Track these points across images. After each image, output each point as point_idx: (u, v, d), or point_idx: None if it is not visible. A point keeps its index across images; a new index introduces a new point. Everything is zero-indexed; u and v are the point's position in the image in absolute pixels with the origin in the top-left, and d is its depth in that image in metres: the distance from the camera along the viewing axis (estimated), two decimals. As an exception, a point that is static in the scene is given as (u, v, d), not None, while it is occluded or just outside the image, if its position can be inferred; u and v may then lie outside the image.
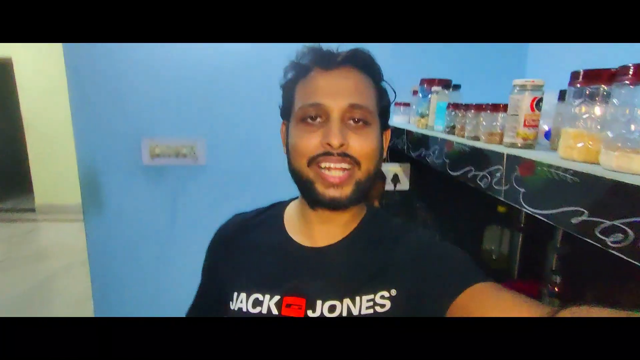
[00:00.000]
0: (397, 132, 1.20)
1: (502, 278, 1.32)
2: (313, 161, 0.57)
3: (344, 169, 0.57)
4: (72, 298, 2.49)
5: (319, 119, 0.57)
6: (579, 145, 0.47)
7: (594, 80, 0.46)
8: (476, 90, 1.06)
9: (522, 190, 0.53)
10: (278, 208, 0.70)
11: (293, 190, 0.65)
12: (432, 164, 0.87)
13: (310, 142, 0.57)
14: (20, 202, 4.77)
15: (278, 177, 0.67)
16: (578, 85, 0.48)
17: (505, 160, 0.57)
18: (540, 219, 0.48)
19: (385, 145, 0.66)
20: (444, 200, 1.45)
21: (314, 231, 0.63)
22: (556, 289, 0.92)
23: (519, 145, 0.62)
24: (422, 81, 1.02)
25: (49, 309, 2.41)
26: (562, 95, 0.61)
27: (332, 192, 0.57)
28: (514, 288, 1.09)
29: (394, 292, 0.57)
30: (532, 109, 0.59)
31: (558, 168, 0.45)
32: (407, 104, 1.29)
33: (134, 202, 1.40)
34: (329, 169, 0.57)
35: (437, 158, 0.85)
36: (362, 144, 0.57)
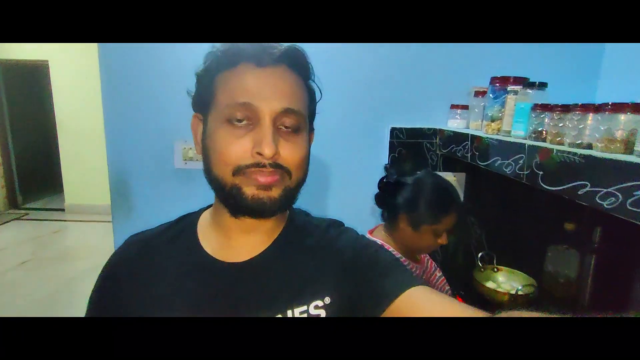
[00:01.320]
0: (456, 137, 1.07)
1: (570, 307, 1.16)
2: (240, 171, 0.50)
3: (275, 178, 0.51)
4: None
5: (246, 122, 0.50)
6: None
7: None
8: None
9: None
10: (188, 221, 0.61)
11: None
12: (514, 176, 0.74)
13: (237, 149, 0.50)
14: (50, 202, 4.86)
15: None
16: None
17: (651, 174, 0.43)
18: (618, 239, 0.43)
19: (309, 148, 0.59)
20: (502, 214, 1.30)
21: (235, 242, 0.56)
22: None
23: (658, 155, 0.48)
24: (494, 80, 0.89)
25: (72, 311, 2.38)
26: None
27: (262, 195, 0.50)
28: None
29: (327, 300, 0.54)
30: (684, 109, 0.46)
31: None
32: (464, 107, 1.15)
33: (164, 207, 1.31)
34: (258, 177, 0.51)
35: (521, 169, 0.71)
36: (293, 153, 0.52)
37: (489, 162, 0.84)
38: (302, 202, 0.60)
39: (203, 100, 0.55)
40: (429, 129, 1.22)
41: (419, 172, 0.99)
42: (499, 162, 0.80)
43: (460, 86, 1.20)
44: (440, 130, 1.21)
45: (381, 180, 1.03)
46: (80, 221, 4.19)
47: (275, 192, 0.51)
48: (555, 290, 1.21)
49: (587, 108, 0.59)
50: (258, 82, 0.50)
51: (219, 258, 0.56)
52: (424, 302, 0.49)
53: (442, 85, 1.23)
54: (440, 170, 1.25)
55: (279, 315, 0.52)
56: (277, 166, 0.50)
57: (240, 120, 0.50)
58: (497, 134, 0.86)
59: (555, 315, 0.36)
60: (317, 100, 0.59)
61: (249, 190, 0.50)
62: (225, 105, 0.51)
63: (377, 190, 1.03)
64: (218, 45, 0.54)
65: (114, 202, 1.32)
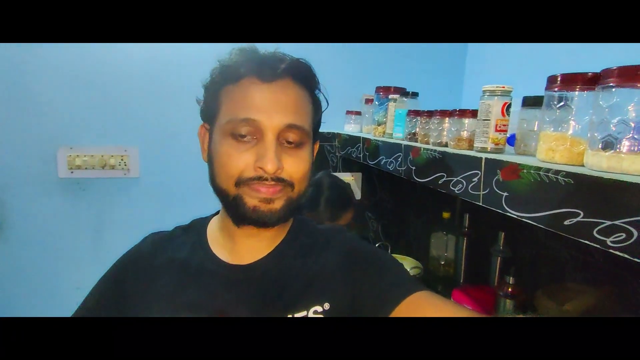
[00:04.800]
0: (352, 140, 1.18)
1: (451, 283, 1.36)
2: (242, 182, 0.52)
3: (277, 189, 0.53)
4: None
5: (249, 137, 0.51)
6: (561, 147, 0.48)
7: (572, 83, 0.47)
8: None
9: (505, 194, 0.52)
10: (199, 224, 0.63)
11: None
12: (394, 172, 0.85)
13: (240, 162, 0.51)
14: None
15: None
16: (556, 90, 0.49)
17: (483, 164, 0.56)
18: (483, 223, 0.48)
19: (313, 157, 0.61)
20: (393, 208, 1.47)
21: (239, 246, 0.58)
22: (509, 290, 0.95)
23: (489, 149, 0.62)
24: (378, 89, 1.01)
25: None
26: (525, 102, 0.63)
27: (264, 206, 0.52)
28: (464, 293, 1.10)
29: (327, 305, 0.54)
30: (503, 114, 0.60)
31: (548, 170, 0.45)
32: (358, 113, 1.28)
33: (47, 223, 1.18)
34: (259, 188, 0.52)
35: (400, 165, 0.83)
36: (297, 168, 0.53)
37: (376, 160, 0.95)
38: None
39: (209, 112, 0.55)
40: (328, 133, 1.32)
41: (318, 174, 1.08)
42: (384, 160, 0.92)
43: (353, 94, 1.33)
44: (338, 134, 1.32)
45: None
46: None
47: (278, 204, 0.52)
48: (438, 271, 1.40)
49: (444, 113, 0.73)
50: (261, 98, 0.51)
51: (225, 260, 0.57)
52: (427, 307, 0.49)
53: (338, 92, 1.34)
54: (339, 171, 1.36)
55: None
56: (279, 180, 0.51)
57: (243, 136, 0.51)
58: (383, 137, 0.99)
59: (555, 317, 0.38)
60: (323, 109, 0.61)
61: (251, 202, 0.51)
62: (228, 120, 0.51)
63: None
64: (224, 58, 0.54)
65: (-20, 219, 1.13)
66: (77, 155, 1.16)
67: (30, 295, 1.19)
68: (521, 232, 1.02)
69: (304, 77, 0.55)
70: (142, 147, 1.23)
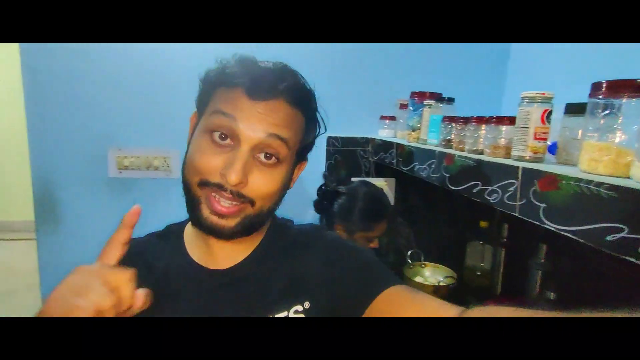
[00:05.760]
0: (385, 146, 1.17)
1: (485, 295, 1.31)
2: (205, 185, 0.51)
3: (235, 204, 0.51)
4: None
5: (228, 141, 0.50)
6: (605, 158, 0.45)
7: (619, 90, 0.44)
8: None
9: (543, 205, 0.50)
10: (175, 230, 0.63)
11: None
12: (427, 179, 0.84)
13: (209, 164, 0.50)
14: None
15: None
16: (601, 97, 0.46)
17: (520, 174, 0.54)
18: (523, 234, 0.46)
19: (296, 176, 0.60)
20: (427, 215, 1.44)
21: (215, 251, 0.57)
22: (550, 306, 0.91)
23: (527, 158, 0.60)
24: (413, 94, 1.00)
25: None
26: (568, 109, 0.60)
27: (216, 220, 0.51)
28: (498, 305, 1.06)
29: (307, 304, 0.55)
30: (543, 122, 0.58)
31: (589, 182, 0.42)
32: (392, 118, 1.27)
33: (96, 219, 1.27)
34: (218, 198, 0.51)
35: (433, 172, 0.82)
36: (262, 185, 0.51)
37: (409, 167, 0.94)
38: None
39: (200, 102, 0.56)
40: (362, 138, 1.32)
41: (354, 182, 1.08)
42: (417, 166, 0.90)
43: (388, 99, 1.32)
44: (371, 139, 1.31)
45: (320, 188, 1.10)
46: (-4, 240, 3.75)
47: (231, 222, 0.51)
48: (473, 282, 1.35)
49: (480, 120, 0.71)
50: (248, 109, 0.50)
51: (203, 265, 0.57)
52: (404, 300, 0.50)
53: (371, 96, 1.35)
54: (372, 176, 1.35)
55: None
56: (238, 195, 0.50)
57: (223, 138, 0.50)
58: (417, 142, 0.97)
59: (539, 311, 0.35)
60: (317, 133, 0.59)
61: (205, 211, 0.51)
62: (210, 115, 0.51)
63: (315, 197, 1.10)
64: (224, 61, 0.54)
65: (39, 215, 1.24)
66: (125, 157, 1.25)
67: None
68: (563, 245, 0.97)
69: (300, 101, 0.53)
70: (183, 150, 1.29)
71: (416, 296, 0.50)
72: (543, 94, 0.58)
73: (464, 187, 0.69)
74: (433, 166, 0.81)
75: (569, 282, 0.98)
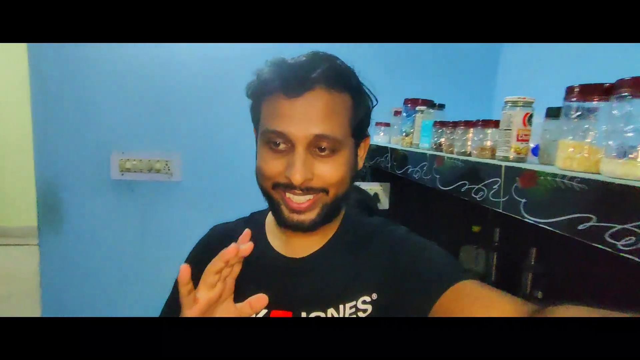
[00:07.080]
0: (380, 151, 1.21)
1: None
2: (277, 186, 0.56)
3: (309, 199, 0.55)
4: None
5: (283, 146, 0.55)
6: (578, 155, 0.49)
7: (590, 94, 0.49)
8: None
9: (523, 200, 0.54)
10: (259, 217, 0.68)
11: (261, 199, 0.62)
12: (420, 181, 0.88)
13: (274, 169, 0.55)
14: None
15: (258, 195, 0.64)
16: (574, 100, 0.50)
17: (503, 172, 0.58)
18: (513, 238, 0.49)
19: (363, 154, 0.64)
20: (421, 220, 1.47)
21: (293, 242, 0.63)
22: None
23: (511, 158, 0.64)
24: (406, 101, 1.05)
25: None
26: (548, 113, 0.65)
27: (297, 217, 0.56)
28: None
29: (374, 295, 0.57)
30: (525, 124, 0.62)
31: (564, 177, 0.46)
32: (387, 124, 1.31)
33: (99, 221, 1.29)
34: (292, 196, 0.55)
35: (425, 174, 0.85)
36: (329, 174, 0.55)
37: (403, 170, 0.98)
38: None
39: (254, 119, 0.61)
40: (358, 144, 1.36)
41: None
42: (410, 169, 0.94)
43: (383, 107, 1.36)
44: (367, 144, 1.35)
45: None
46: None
47: (311, 214, 0.56)
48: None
49: (467, 124, 0.75)
50: (290, 112, 0.53)
51: (282, 252, 0.62)
52: (474, 297, 0.49)
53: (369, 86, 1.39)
54: (368, 180, 1.39)
55: (331, 308, 0.57)
56: (309, 189, 0.54)
57: (277, 144, 0.54)
58: (410, 147, 1.02)
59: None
60: (370, 106, 0.61)
61: (286, 211, 0.56)
62: (263, 130, 0.56)
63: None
64: (260, 72, 0.57)
65: (42, 216, 1.27)
66: (128, 160, 1.28)
67: (77, 285, 1.31)
68: (555, 248, 1.00)
69: (339, 81, 0.55)
70: (184, 153, 1.33)
71: (487, 292, 0.49)
72: (524, 98, 0.62)
73: (453, 187, 0.72)
74: (425, 168, 0.85)
75: (557, 283, 1.01)
